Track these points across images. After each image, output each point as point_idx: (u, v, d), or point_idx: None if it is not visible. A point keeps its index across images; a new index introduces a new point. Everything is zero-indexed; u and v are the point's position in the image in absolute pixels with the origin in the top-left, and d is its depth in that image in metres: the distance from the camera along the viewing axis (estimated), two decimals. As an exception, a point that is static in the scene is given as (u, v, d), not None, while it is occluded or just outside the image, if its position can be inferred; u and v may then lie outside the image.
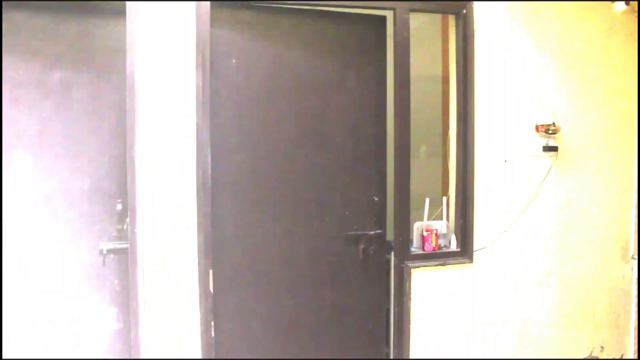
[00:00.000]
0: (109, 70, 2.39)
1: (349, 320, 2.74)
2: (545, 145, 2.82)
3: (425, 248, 2.75)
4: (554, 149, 2.82)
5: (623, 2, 2.81)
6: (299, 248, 2.64)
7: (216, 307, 2.44)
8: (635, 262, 2.99)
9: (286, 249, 2.62)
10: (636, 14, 2.90)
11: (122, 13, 2.28)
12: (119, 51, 2.31)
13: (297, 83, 2.61)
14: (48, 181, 2.35)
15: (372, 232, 2.69)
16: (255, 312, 2.59)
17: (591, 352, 3.01)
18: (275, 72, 2.58)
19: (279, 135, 2.60)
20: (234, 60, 2.50)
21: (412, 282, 2.67)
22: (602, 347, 3.03)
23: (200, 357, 2.39)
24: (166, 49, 2.32)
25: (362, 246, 2.70)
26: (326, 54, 2.66)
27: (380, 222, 2.73)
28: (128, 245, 2.35)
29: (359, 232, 2.70)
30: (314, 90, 2.64)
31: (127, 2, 2.28)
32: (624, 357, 3.07)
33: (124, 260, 2.39)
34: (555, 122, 2.81)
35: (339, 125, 2.69)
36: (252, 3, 2.50)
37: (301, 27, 2.62)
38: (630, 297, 3.04)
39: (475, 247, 2.76)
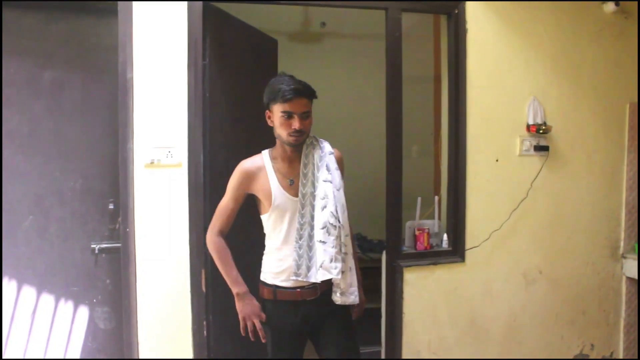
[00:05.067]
0: (100, 69, 2.39)
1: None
2: (536, 144, 2.84)
3: (417, 247, 2.76)
4: (545, 148, 2.84)
5: (613, 3, 2.83)
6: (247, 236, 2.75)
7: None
8: (625, 261, 3.02)
9: (241, 237, 2.68)
10: (625, 16, 2.92)
11: (113, 12, 2.28)
12: (111, 50, 2.31)
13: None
14: (39, 181, 2.34)
15: None
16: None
17: (581, 349, 3.04)
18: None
19: (237, 135, 2.74)
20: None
21: (404, 281, 2.68)
22: (592, 345, 3.05)
23: (192, 357, 2.39)
24: (158, 48, 2.32)
25: None
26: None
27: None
28: (120, 244, 2.35)
29: None
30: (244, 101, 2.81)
31: (118, 2, 2.27)
32: (613, 355, 3.10)
33: (115, 259, 2.38)
34: (547, 122, 2.83)
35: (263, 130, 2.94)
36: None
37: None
38: (619, 295, 3.07)
39: (466, 246, 2.77)
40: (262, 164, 2.04)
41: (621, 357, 3.09)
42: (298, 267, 1.99)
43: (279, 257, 2.04)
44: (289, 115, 1.93)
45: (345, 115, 4.47)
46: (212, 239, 2.07)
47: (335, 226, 1.99)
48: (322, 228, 1.97)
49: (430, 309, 2.76)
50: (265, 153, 2.09)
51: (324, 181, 2.01)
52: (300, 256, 2.00)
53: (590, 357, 3.05)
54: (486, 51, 2.75)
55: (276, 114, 1.96)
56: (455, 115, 2.76)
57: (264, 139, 2.97)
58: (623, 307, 3.08)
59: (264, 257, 2.11)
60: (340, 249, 2.01)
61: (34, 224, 2.34)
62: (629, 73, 2.98)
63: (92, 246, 2.39)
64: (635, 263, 2.94)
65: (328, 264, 1.96)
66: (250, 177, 2.03)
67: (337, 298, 2.03)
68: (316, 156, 2.04)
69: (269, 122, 2.04)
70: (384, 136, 2.70)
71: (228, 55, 2.64)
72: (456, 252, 2.79)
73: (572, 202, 2.95)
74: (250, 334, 2.03)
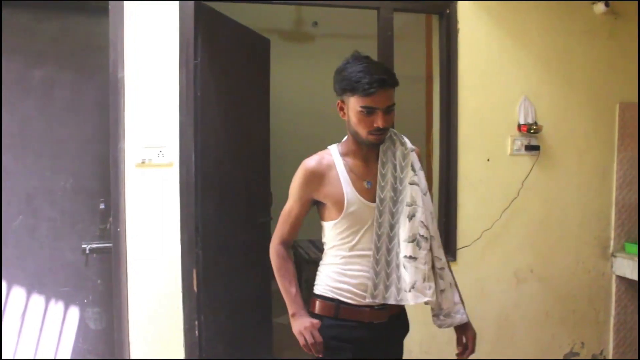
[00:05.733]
0: (91, 68, 2.38)
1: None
2: (527, 144, 2.85)
3: (409, 246, 2.76)
4: (536, 148, 2.86)
5: (603, 4, 2.84)
6: (239, 236, 2.85)
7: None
8: (615, 259, 3.04)
9: (232, 237, 2.79)
10: (615, 16, 2.94)
11: (104, 11, 2.27)
12: (102, 49, 2.29)
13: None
14: (29, 180, 2.33)
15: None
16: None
17: (572, 348, 3.05)
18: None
19: (228, 134, 2.77)
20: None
21: (396, 280, 2.68)
22: (582, 343, 3.07)
23: (183, 358, 2.39)
24: (149, 47, 2.31)
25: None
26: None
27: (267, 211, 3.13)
28: (111, 244, 2.34)
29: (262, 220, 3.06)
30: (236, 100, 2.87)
31: (109, 1, 2.26)
32: (604, 353, 3.11)
33: (106, 259, 2.37)
34: (538, 122, 2.84)
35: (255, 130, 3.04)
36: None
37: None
38: (609, 294, 3.09)
39: (458, 245, 2.78)
40: (332, 162, 1.68)
41: (611, 355, 3.11)
42: (375, 287, 1.64)
43: (348, 274, 1.67)
44: (369, 111, 1.56)
45: (338, 114, 4.46)
46: (274, 249, 1.76)
47: (426, 238, 1.66)
48: (412, 241, 1.64)
49: (422, 307, 2.75)
50: (334, 148, 1.73)
51: (411, 184, 1.67)
52: (377, 274, 1.64)
53: (581, 356, 3.07)
54: (477, 51, 2.76)
55: (353, 108, 1.59)
56: (447, 115, 2.77)
57: (257, 138, 3.00)
58: (613, 306, 3.09)
59: (323, 268, 1.75)
60: (434, 265, 1.71)
61: (24, 224, 2.33)
62: (619, 73, 3.00)
63: (83, 246, 2.37)
64: (625, 262, 2.96)
65: (421, 284, 1.64)
66: (317, 177, 1.66)
67: (442, 321, 1.77)
68: (398, 153, 1.70)
69: (340, 114, 1.68)
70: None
71: (220, 55, 2.63)
72: (447, 251, 2.78)
73: (562, 202, 2.97)
74: (312, 348, 1.65)
